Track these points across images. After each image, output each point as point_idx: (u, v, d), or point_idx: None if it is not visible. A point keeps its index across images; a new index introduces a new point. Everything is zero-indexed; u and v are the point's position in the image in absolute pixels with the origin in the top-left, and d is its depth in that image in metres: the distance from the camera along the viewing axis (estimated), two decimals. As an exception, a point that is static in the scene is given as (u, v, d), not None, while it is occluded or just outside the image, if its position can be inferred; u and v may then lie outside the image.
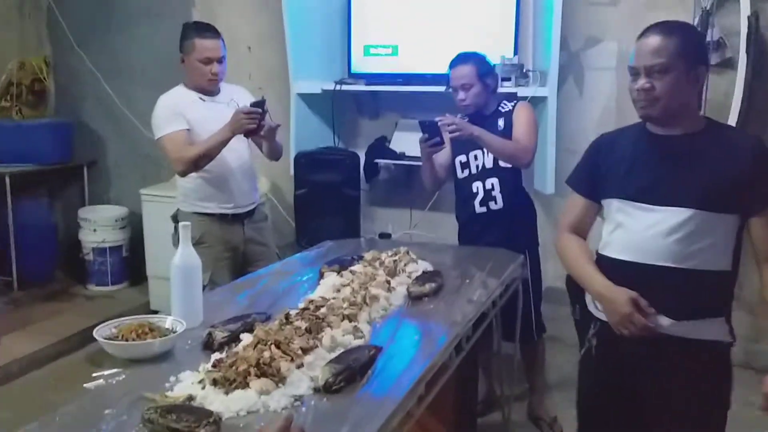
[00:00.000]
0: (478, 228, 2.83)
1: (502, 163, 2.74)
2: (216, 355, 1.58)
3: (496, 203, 2.78)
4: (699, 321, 1.67)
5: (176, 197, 2.89)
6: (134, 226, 4.45)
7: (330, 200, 3.74)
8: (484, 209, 2.80)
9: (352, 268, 2.26)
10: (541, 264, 2.95)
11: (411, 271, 2.29)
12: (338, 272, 2.24)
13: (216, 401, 1.37)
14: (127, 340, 1.62)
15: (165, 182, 4.26)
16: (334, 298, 1.95)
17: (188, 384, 1.45)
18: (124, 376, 1.53)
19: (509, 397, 2.78)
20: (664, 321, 1.69)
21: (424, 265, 2.37)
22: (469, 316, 1.96)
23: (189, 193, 2.83)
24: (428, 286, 2.12)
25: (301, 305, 1.90)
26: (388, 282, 2.11)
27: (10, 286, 4.26)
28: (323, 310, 1.83)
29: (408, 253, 2.42)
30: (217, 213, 2.82)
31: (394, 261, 2.31)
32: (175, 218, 2.80)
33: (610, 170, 1.78)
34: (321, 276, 2.27)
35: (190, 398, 1.37)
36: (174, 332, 1.68)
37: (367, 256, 2.40)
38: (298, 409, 1.37)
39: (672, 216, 1.66)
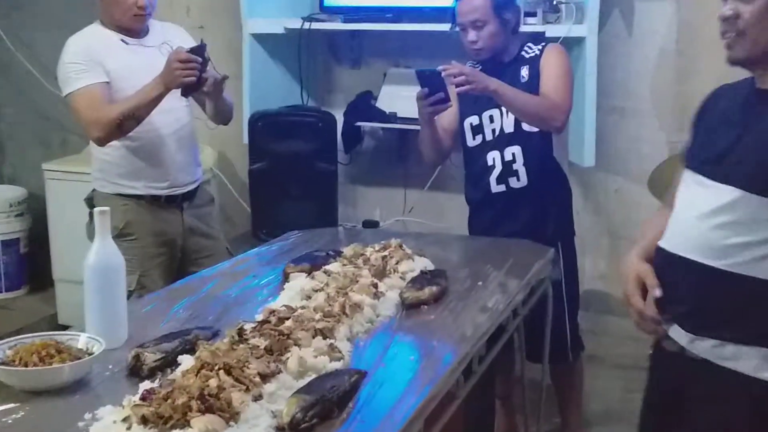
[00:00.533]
0: (494, 212, 2.83)
1: (526, 127, 2.73)
2: (146, 385, 1.57)
3: (518, 179, 2.77)
4: (735, 345, 1.60)
5: (92, 174, 2.87)
6: (35, 212, 4.41)
7: (297, 177, 3.73)
8: (502, 187, 2.79)
9: (327, 267, 2.26)
10: (578, 260, 2.96)
11: (405, 270, 2.29)
12: (308, 273, 2.24)
13: (146, 446, 1.36)
14: (26, 366, 1.60)
15: (76, 154, 4.23)
16: (303, 308, 1.94)
17: (109, 423, 1.43)
18: (22, 414, 1.51)
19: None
20: (678, 334, 1.69)
21: (422, 263, 2.38)
22: (482, 330, 1.97)
23: (108, 169, 2.81)
24: (428, 291, 2.13)
25: (260, 317, 1.90)
26: (375, 286, 2.11)
27: None
28: (288, 323, 1.83)
29: (401, 246, 2.42)
30: (147, 195, 2.80)
31: (383, 258, 2.31)
32: (91, 202, 2.78)
33: (699, 134, 1.77)
34: (285, 278, 2.27)
35: (112, 442, 1.36)
36: (90, 354, 1.67)
37: (347, 251, 2.40)
38: (255, 455, 1.37)
39: (718, 195, 1.63)
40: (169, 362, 1.68)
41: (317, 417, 1.47)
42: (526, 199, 2.77)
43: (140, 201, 2.80)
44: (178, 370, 1.61)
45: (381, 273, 2.23)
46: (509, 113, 2.72)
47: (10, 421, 1.48)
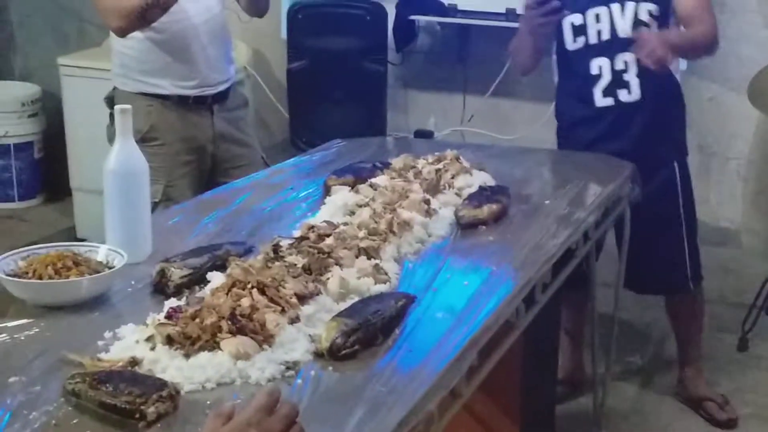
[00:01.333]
0: (597, 130, 2.76)
1: (645, 30, 2.64)
2: (171, 303, 1.60)
3: (629, 92, 2.70)
4: None
5: (112, 70, 2.89)
6: (51, 113, 4.48)
7: (341, 79, 3.72)
8: (609, 101, 2.72)
9: (374, 180, 2.27)
10: None
11: (462, 186, 2.29)
12: (352, 186, 2.25)
13: (171, 367, 1.39)
14: (41, 278, 1.64)
15: (95, 47, 4.26)
16: (345, 225, 1.96)
17: (131, 343, 1.47)
18: (37, 330, 1.56)
19: (605, 376, 2.83)
20: None
21: (481, 178, 2.37)
22: (547, 254, 1.97)
23: (131, 64, 2.82)
24: (487, 209, 2.12)
25: (297, 233, 1.92)
26: (427, 202, 2.12)
27: None
28: (329, 240, 1.84)
29: (458, 159, 2.41)
30: (174, 95, 2.82)
31: (437, 171, 2.31)
32: (111, 102, 2.81)
33: None
34: (326, 191, 2.28)
35: (134, 363, 1.40)
36: (110, 268, 1.71)
37: (396, 162, 2.40)
38: (290, 382, 1.40)
39: None
40: (198, 279, 1.72)
41: (359, 343, 1.50)
42: (638, 115, 2.70)
43: (166, 102, 2.82)
44: (207, 288, 1.64)
45: (434, 188, 2.23)
46: (624, 11, 2.65)
47: (22, 338, 1.53)
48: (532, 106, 3.85)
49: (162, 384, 1.32)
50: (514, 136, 3.79)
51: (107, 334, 1.52)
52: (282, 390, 1.21)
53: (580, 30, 2.70)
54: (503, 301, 1.73)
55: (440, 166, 2.35)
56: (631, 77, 2.67)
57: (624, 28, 2.65)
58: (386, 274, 1.77)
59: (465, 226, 2.09)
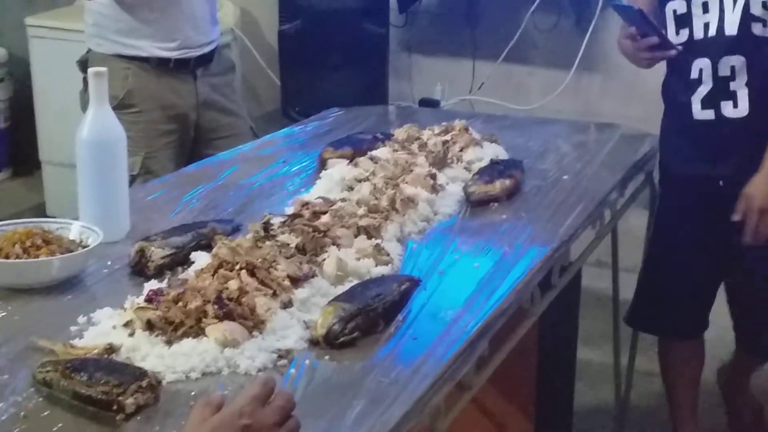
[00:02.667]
0: (694, 149, 2.44)
1: (757, 29, 2.33)
2: (152, 285, 1.60)
3: (735, 106, 2.35)
4: None
5: (85, 31, 2.88)
6: (17, 79, 4.46)
7: (338, 42, 3.70)
8: (709, 114, 2.38)
9: (374, 152, 2.26)
10: None
11: (471, 159, 2.29)
12: (350, 159, 2.25)
13: (152, 355, 1.40)
14: (8, 257, 1.64)
15: (66, 6, 4.24)
16: (343, 201, 1.96)
17: (107, 328, 1.47)
18: (3, 314, 1.56)
19: (629, 369, 2.84)
20: None
21: (493, 150, 2.37)
22: (565, 234, 1.96)
23: (105, 24, 2.81)
24: (499, 184, 2.12)
25: (290, 210, 1.92)
26: (434, 177, 2.11)
27: None
28: (325, 218, 1.84)
29: (467, 130, 2.41)
30: (153, 57, 2.81)
31: (444, 143, 2.31)
32: (85, 65, 2.79)
33: None
34: (322, 165, 2.28)
35: (111, 350, 1.40)
36: (84, 247, 1.71)
37: (399, 133, 2.39)
38: (283, 372, 1.40)
39: None
40: (180, 260, 1.72)
41: (358, 330, 1.50)
42: (744, 134, 2.36)
43: (144, 65, 2.80)
44: (191, 270, 1.65)
45: (441, 161, 2.23)
46: (736, 1, 2.33)
47: (-12, 323, 1.53)
48: (548, 74, 3.84)
49: (142, 373, 1.32)
50: (528, 107, 3.78)
51: (81, 319, 1.52)
52: (274, 380, 1.21)
53: (683, 20, 2.38)
54: (516, 285, 1.74)
55: (448, 137, 2.35)
56: (739, 87, 2.33)
57: (732, 24, 2.32)
58: (388, 255, 1.77)
59: (475, 204, 2.09)
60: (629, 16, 2.40)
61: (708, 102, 2.37)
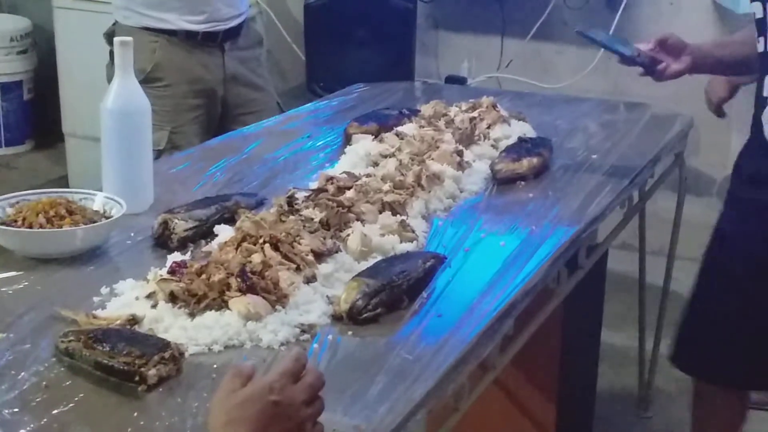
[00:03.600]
0: (763, 171, 2.15)
1: None
2: (175, 257, 1.61)
3: None
4: None
5: (113, 2, 2.88)
6: (42, 50, 4.48)
7: (364, 16, 3.69)
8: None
9: (400, 128, 2.26)
10: None
11: (499, 136, 2.28)
12: (376, 135, 2.25)
13: (174, 327, 1.40)
14: (31, 227, 1.65)
15: (92, -22, 4.24)
16: (368, 176, 1.96)
17: (130, 299, 1.48)
18: (26, 283, 1.57)
19: (653, 353, 2.83)
20: None
21: (520, 128, 2.36)
22: (592, 213, 1.95)
23: (132, -5, 2.81)
24: (526, 163, 2.12)
25: (315, 185, 1.91)
26: (460, 153, 2.11)
27: None
28: (350, 193, 1.84)
29: (495, 107, 2.40)
30: (181, 30, 2.81)
31: (471, 120, 2.30)
32: (111, 37, 2.78)
33: None
34: (347, 140, 2.28)
35: (134, 321, 1.41)
36: (107, 218, 1.71)
37: (426, 109, 2.39)
38: (306, 347, 1.40)
39: None
40: (204, 233, 1.72)
41: (382, 306, 1.50)
42: None
43: (172, 38, 2.80)
44: (215, 242, 1.65)
45: (468, 138, 2.22)
46: None
47: (10, 292, 1.54)
48: (578, 52, 3.81)
49: (164, 344, 1.32)
50: (557, 85, 3.75)
51: (104, 290, 1.52)
52: (305, 354, 1.21)
53: (760, 26, 2.09)
54: (543, 264, 1.73)
55: (475, 114, 2.34)
56: None
57: None
58: (413, 231, 1.77)
59: (501, 181, 2.08)
60: (594, 41, 2.27)
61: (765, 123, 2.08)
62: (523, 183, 2.09)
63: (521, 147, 2.19)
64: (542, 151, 2.19)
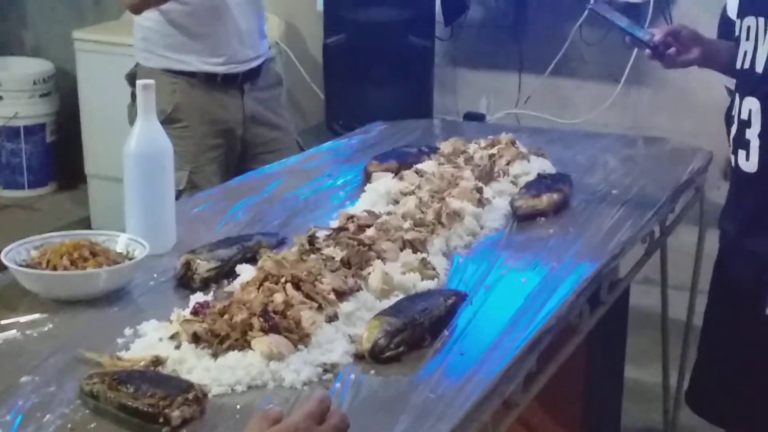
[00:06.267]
0: (730, 192, 2.13)
1: None
2: (198, 297, 1.62)
3: (747, 157, 1.99)
4: None
5: (134, 45, 2.92)
6: (65, 92, 4.52)
7: (383, 55, 3.71)
8: (734, 160, 2.04)
9: (420, 166, 2.27)
10: None
11: (518, 173, 2.29)
12: (396, 172, 2.25)
13: (198, 368, 1.41)
14: (55, 269, 1.66)
15: (113, 20, 4.29)
16: (388, 214, 1.96)
17: (154, 340, 1.49)
18: (51, 326, 1.58)
19: (677, 388, 2.80)
20: None
21: (540, 164, 2.36)
22: (614, 250, 1.96)
23: (154, 38, 2.85)
24: (546, 199, 2.12)
25: (335, 223, 1.92)
26: (480, 190, 2.11)
27: None
28: (371, 232, 1.85)
29: (514, 143, 2.40)
30: (201, 72, 2.84)
31: (491, 156, 2.30)
32: (133, 79, 2.83)
33: None
34: (367, 178, 2.29)
35: (157, 362, 1.42)
36: (131, 259, 1.72)
37: (445, 147, 2.39)
38: (328, 386, 1.40)
39: None
40: (226, 273, 1.73)
41: (404, 345, 1.50)
42: (752, 191, 2.03)
43: (192, 80, 2.84)
44: (237, 282, 1.66)
45: (487, 175, 2.22)
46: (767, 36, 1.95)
47: (35, 334, 1.56)
48: (596, 87, 3.82)
49: (188, 386, 1.33)
50: (575, 120, 3.76)
51: (128, 331, 1.53)
52: (329, 396, 1.21)
53: (737, 43, 2.05)
54: (565, 300, 1.73)
55: (494, 151, 2.34)
56: (753, 136, 1.97)
57: (761, 59, 1.96)
58: (434, 269, 1.77)
59: (522, 218, 2.08)
60: (607, 20, 2.20)
61: (733, 146, 2.04)
62: (543, 219, 2.09)
63: (541, 183, 2.20)
64: (562, 186, 2.19)
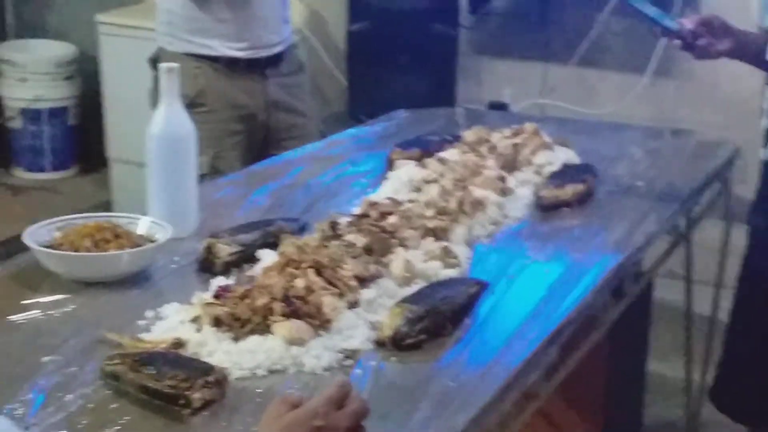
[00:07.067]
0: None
1: None
2: (219, 281, 1.63)
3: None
4: None
5: (157, 29, 2.93)
6: (87, 76, 4.55)
7: (407, 43, 3.71)
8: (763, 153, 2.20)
9: (442, 154, 2.27)
10: None
11: (542, 163, 2.28)
12: (418, 160, 2.25)
13: (219, 351, 1.42)
14: (77, 251, 1.68)
15: (137, 4, 4.31)
16: (411, 202, 1.97)
17: (175, 322, 1.50)
18: (73, 306, 1.60)
19: (701, 383, 2.80)
20: None
21: (565, 155, 2.36)
22: (639, 241, 1.95)
23: (177, 22, 2.85)
24: (570, 189, 2.12)
25: (357, 210, 1.93)
26: (503, 179, 2.11)
27: None
28: (393, 219, 1.85)
29: (538, 133, 2.40)
30: (224, 56, 2.84)
31: (515, 145, 2.30)
32: (156, 63, 2.83)
33: None
34: (390, 165, 2.29)
35: (178, 344, 1.43)
36: (153, 241, 1.74)
37: (468, 135, 2.39)
38: (348, 372, 1.41)
39: None
40: (247, 257, 1.74)
41: (426, 332, 1.51)
42: None
43: (215, 64, 2.84)
44: (258, 267, 1.67)
45: (511, 164, 2.22)
46: None
47: (57, 315, 1.57)
48: (622, 77, 3.80)
49: (209, 368, 1.34)
50: (601, 111, 3.74)
51: (149, 313, 1.55)
52: (350, 382, 1.22)
53: None
54: (588, 292, 1.73)
55: (518, 140, 2.34)
56: None
57: None
58: (456, 257, 1.78)
59: (545, 208, 2.08)
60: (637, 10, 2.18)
61: (764, 140, 2.11)
62: (567, 210, 2.09)
63: (565, 173, 2.20)
64: (587, 177, 2.19)
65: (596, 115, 3.69)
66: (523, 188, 2.15)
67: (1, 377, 1.37)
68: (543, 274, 1.79)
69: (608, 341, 2.18)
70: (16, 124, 4.55)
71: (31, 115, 4.52)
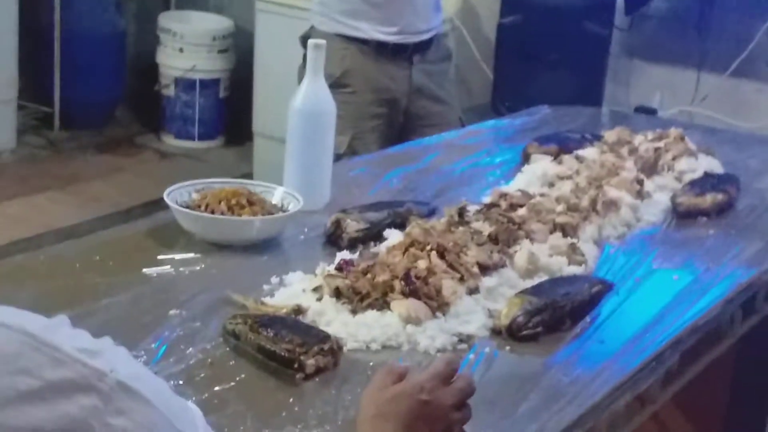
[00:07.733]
0: None
1: None
2: (344, 255, 1.66)
3: None
4: None
5: (311, 8, 2.99)
6: (242, 49, 4.67)
7: (558, 39, 3.68)
8: None
9: (580, 152, 2.25)
10: None
11: (683, 169, 2.24)
12: (555, 156, 2.24)
13: (336, 321, 1.45)
14: (213, 213, 1.74)
15: (293, -17, 4.40)
16: (542, 195, 1.96)
17: (297, 290, 1.54)
18: (203, 266, 1.66)
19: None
20: None
21: (708, 163, 2.30)
22: (775, 257, 1.89)
23: (331, 3, 2.90)
24: (710, 198, 2.07)
25: (488, 199, 1.94)
26: (641, 182, 2.08)
27: (49, 121, 4.67)
28: (522, 211, 1.85)
29: (683, 139, 2.35)
30: (373, 39, 2.88)
31: (656, 149, 2.26)
32: (306, 41, 2.89)
33: None
34: (525, 159, 2.29)
35: (299, 311, 1.46)
36: (284, 211, 1.79)
37: (609, 135, 2.36)
38: (461, 356, 1.41)
39: None
40: (374, 235, 1.77)
41: (543, 325, 1.50)
42: None
43: (363, 47, 2.88)
44: (383, 245, 1.69)
45: (650, 168, 2.19)
46: None
47: (186, 272, 1.64)
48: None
49: (325, 337, 1.37)
50: (753, 125, 3.63)
51: (274, 279, 1.59)
52: (458, 361, 1.23)
53: None
54: (716, 303, 1.69)
55: (660, 144, 2.29)
56: None
57: None
58: (583, 255, 1.76)
59: (682, 215, 2.04)
60: None
61: None
62: (704, 219, 2.04)
63: (706, 182, 2.14)
64: (728, 188, 2.13)
65: (748, 128, 3.59)
66: (661, 193, 2.11)
67: (129, 324, 1.43)
68: (670, 281, 1.76)
69: (735, 356, 2.12)
70: (170, 92, 4.71)
71: (185, 85, 4.67)
